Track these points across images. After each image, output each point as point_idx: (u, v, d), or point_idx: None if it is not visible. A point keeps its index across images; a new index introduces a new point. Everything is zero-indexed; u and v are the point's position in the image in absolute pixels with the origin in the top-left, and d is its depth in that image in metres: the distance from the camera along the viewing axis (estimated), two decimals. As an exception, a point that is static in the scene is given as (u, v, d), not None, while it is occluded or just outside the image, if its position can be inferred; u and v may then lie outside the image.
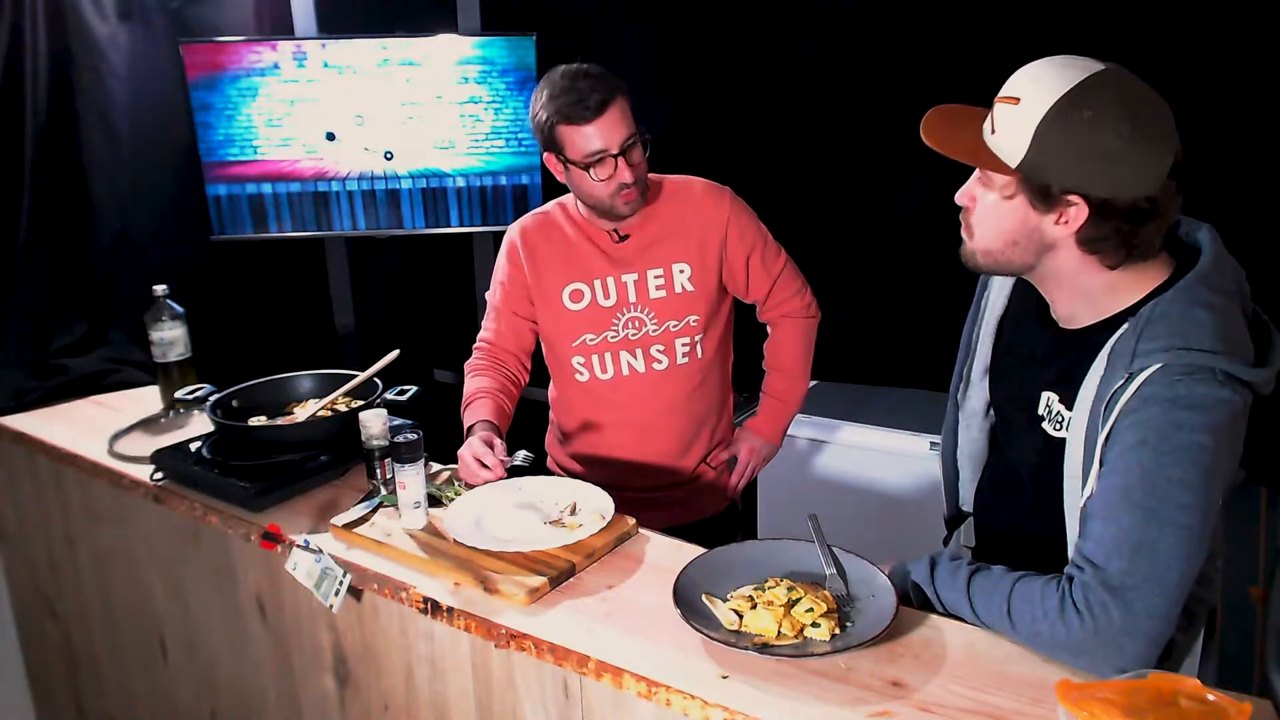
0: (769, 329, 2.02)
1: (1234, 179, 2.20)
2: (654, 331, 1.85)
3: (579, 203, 1.85)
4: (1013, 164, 1.15)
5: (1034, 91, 1.13)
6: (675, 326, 1.85)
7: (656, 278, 1.84)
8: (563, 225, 1.87)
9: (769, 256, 1.91)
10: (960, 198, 1.26)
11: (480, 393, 1.84)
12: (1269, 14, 2.15)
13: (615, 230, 1.83)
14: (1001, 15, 2.45)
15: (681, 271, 1.84)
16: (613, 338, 1.85)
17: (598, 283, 1.84)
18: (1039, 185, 1.15)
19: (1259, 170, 2.22)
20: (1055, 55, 1.17)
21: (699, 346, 1.88)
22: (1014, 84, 1.17)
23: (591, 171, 1.71)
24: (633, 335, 1.85)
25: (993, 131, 1.17)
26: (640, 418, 1.89)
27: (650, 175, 1.82)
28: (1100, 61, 1.14)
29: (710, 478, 2.00)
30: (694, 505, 1.98)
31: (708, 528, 1.95)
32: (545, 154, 1.77)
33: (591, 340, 1.86)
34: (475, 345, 1.96)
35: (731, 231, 1.85)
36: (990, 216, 1.21)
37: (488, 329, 1.95)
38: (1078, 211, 1.14)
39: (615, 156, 1.70)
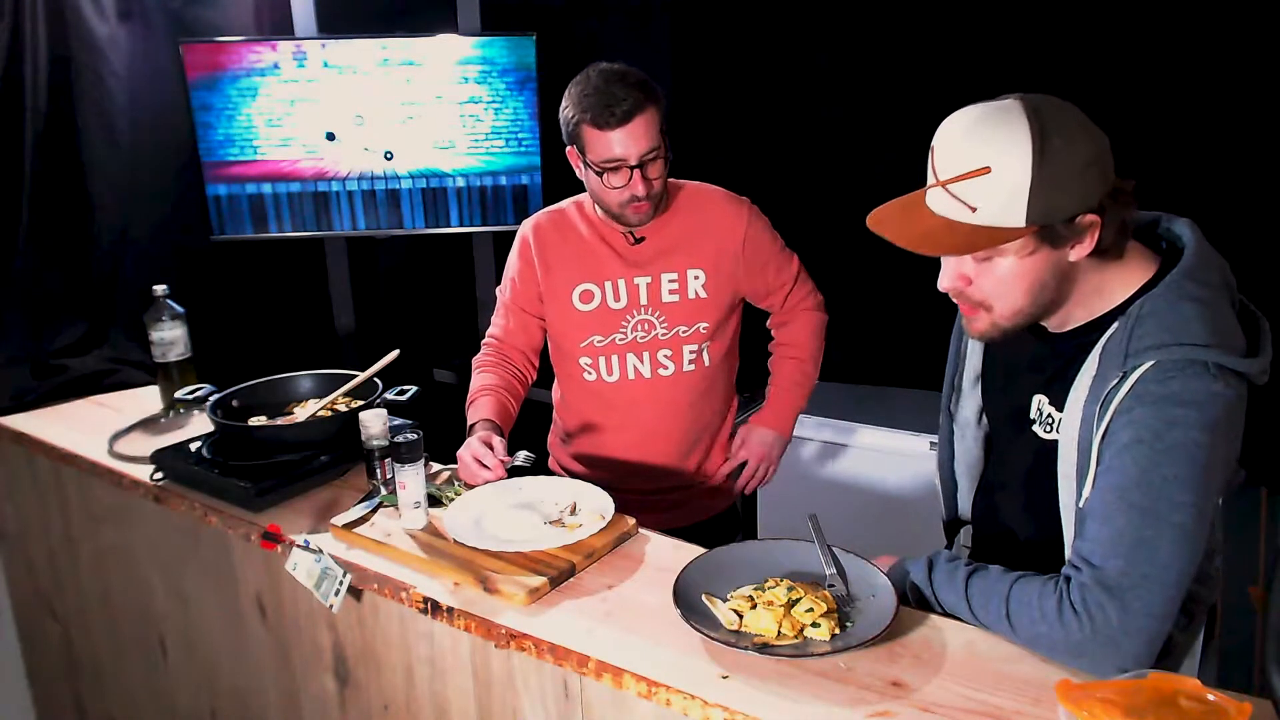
0: (780, 326, 2.01)
1: (1212, 173, 2.22)
2: (663, 335, 1.85)
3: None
4: (1021, 223, 1.12)
5: (1001, 152, 1.10)
6: (685, 332, 1.85)
7: (671, 281, 1.83)
8: (577, 224, 1.87)
9: (783, 264, 1.92)
10: (951, 281, 1.21)
11: (484, 390, 1.84)
12: (1246, 15, 2.16)
13: (631, 232, 1.83)
14: (1003, 21, 2.45)
15: (696, 278, 1.84)
16: (620, 340, 1.85)
17: (609, 284, 1.84)
18: (1059, 225, 1.13)
19: (1237, 164, 2.23)
20: (953, 115, 1.15)
21: (706, 354, 1.88)
22: (965, 156, 1.12)
23: (606, 178, 1.71)
24: (641, 338, 1.85)
25: (973, 210, 1.13)
26: (644, 421, 1.89)
27: (671, 180, 1.82)
28: (1002, 98, 1.14)
29: (712, 481, 1.99)
30: (694, 507, 1.98)
31: (707, 529, 1.95)
32: (568, 148, 1.76)
33: (599, 342, 1.85)
34: (484, 340, 1.95)
35: (749, 242, 1.85)
36: (1009, 280, 1.17)
37: (496, 324, 1.95)
38: (1093, 228, 1.14)
39: (632, 168, 1.69)
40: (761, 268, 1.88)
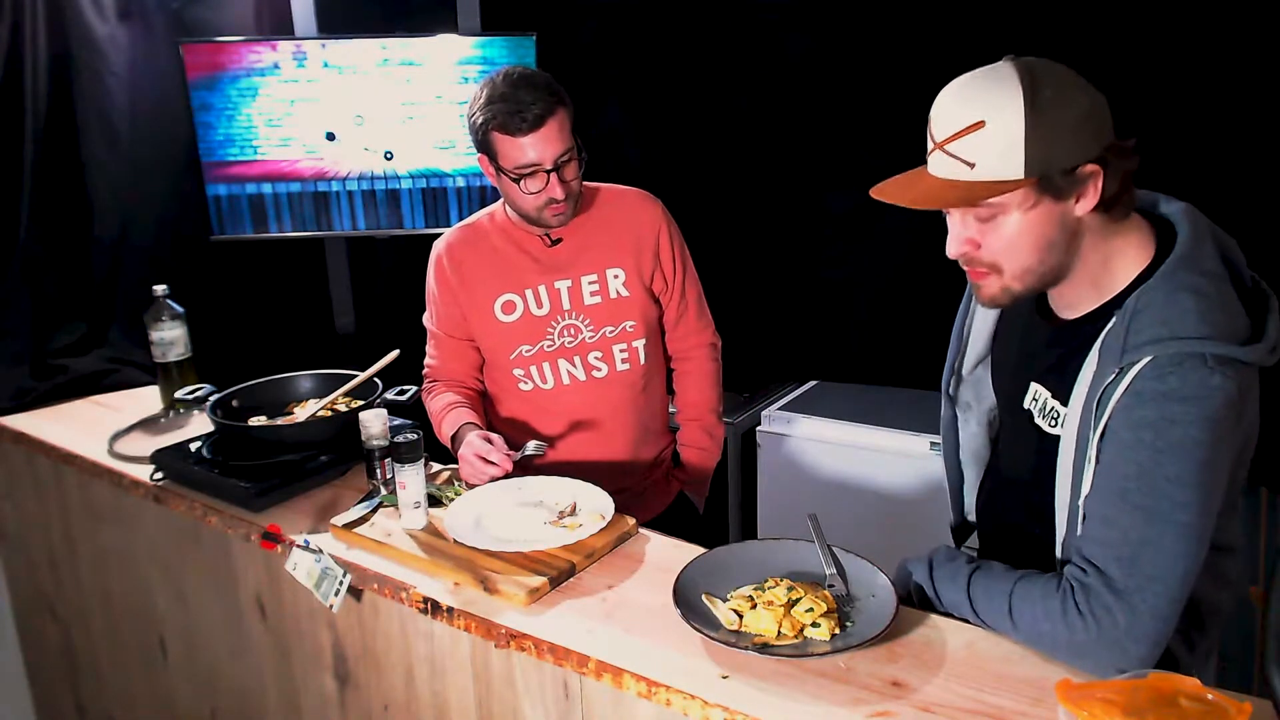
0: (675, 368, 2.02)
1: (1218, 154, 2.21)
2: (590, 338, 1.84)
3: (508, 209, 1.84)
4: (1019, 175, 1.12)
5: (993, 106, 1.10)
6: (612, 332, 1.85)
7: (591, 283, 1.83)
8: (491, 235, 1.86)
9: (689, 274, 1.93)
10: (959, 246, 1.20)
11: (450, 405, 1.84)
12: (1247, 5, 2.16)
13: (547, 234, 1.83)
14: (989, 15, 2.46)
15: (616, 277, 1.83)
16: (549, 347, 1.84)
17: (529, 292, 1.83)
18: (1057, 174, 1.12)
19: (1244, 145, 2.23)
20: (950, 84, 1.16)
21: (639, 353, 1.88)
22: (959, 114, 1.13)
23: (522, 184, 1.70)
24: (569, 343, 1.84)
25: (972, 166, 1.13)
26: (588, 424, 1.88)
27: (585, 184, 1.82)
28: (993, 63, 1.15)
29: (656, 477, 1.99)
30: (643, 507, 1.93)
31: (660, 524, 1.92)
32: (478, 155, 1.76)
33: (528, 351, 1.84)
34: (424, 372, 1.95)
35: (663, 238, 1.87)
36: (1016, 237, 1.16)
37: (431, 355, 1.95)
38: (1095, 178, 1.13)
39: (548, 172, 1.68)
40: (673, 266, 1.89)
